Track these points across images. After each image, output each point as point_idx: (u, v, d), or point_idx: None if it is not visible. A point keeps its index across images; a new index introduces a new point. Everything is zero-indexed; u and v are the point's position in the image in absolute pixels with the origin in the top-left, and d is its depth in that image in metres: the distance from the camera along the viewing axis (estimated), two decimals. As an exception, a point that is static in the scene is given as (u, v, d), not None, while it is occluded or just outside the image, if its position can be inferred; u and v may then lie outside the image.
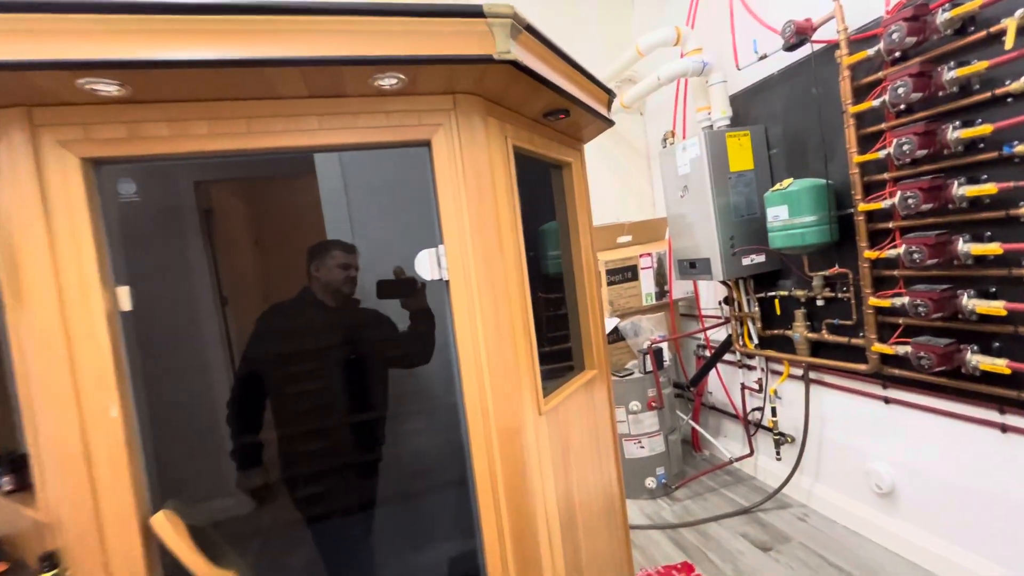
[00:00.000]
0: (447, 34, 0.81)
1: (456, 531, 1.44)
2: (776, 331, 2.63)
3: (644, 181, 3.77)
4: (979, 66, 1.60)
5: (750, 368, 2.96)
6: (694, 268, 2.72)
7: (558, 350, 1.59)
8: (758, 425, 2.89)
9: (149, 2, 0.69)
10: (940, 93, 1.74)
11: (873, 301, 2.04)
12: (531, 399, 1.08)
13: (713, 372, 3.20)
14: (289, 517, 1.62)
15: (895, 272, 1.98)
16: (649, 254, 3.22)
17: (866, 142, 2.01)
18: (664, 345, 2.97)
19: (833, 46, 2.08)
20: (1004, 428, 1.78)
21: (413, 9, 0.79)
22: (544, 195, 1.55)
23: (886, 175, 1.95)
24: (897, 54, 1.84)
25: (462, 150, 0.97)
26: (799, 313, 2.46)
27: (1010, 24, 1.52)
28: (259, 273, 2.16)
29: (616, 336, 3.06)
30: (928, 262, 1.75)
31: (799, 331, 2.45)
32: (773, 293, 2.62)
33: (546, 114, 1.19)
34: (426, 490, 1.73)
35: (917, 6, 1.72)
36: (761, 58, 2.45)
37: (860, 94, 2.01)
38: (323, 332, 1.61)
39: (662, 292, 3.28)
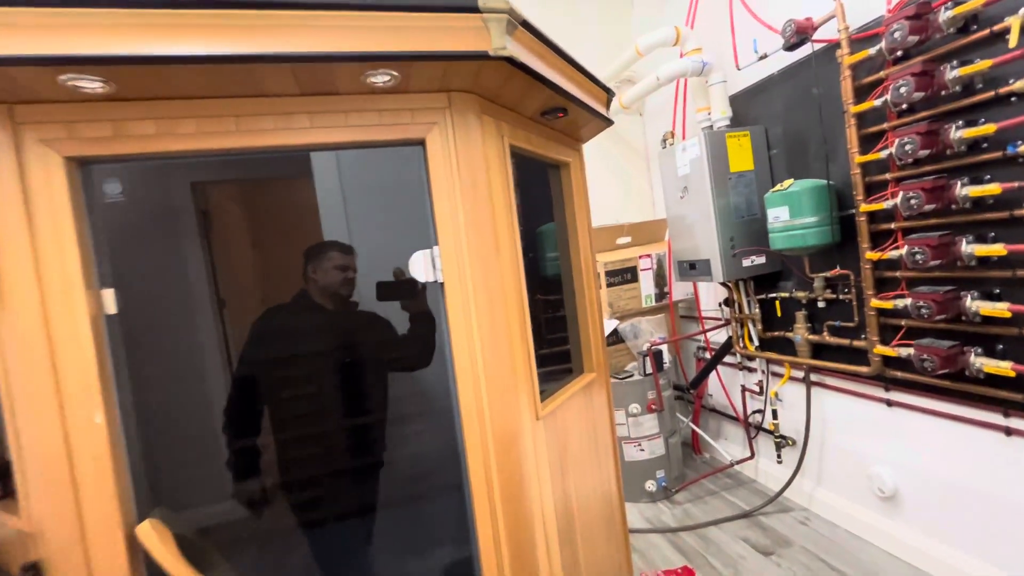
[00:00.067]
0: (441, 29, 0.79)
1: (452, 538, 1.42)
2: (777, 333, 2.61)
3: (644, 182, 3.75)
4: (982, 65, 1.58)
5: (751, 370, 2.94)
6: (694, 269, 2.70)
7: (557, 352, 1.57)
8: (759, 428, 2.87)
9: (132, -4, 0.67)
10: (943, 92, 1.72)
11: (875, 303, 2.02)
12: (528, 404, 1.06)
13: (713, 374, 3.18)
14: (286, 524, 1.59)
15: (897, 273, 1.96)
16: (649, 255, 3.20)
17: (868, 142, 1.99)
18: (664, 347, 2.95)
19: (834, 45, 2.06)
20: (1008, 431, 1.76)
21: (406, 4, 0.77)
22: (543, 196, 1.53)
23: (888, 175, 1.93)
24: (899, 53, 1.82)
25: (457, 149, 0.95)
26: (800, 315, 2.44)
27: (1014, 22, 1.51)
28: (257, 275, 2.14)
29: (616, 338, 3.04)
30: (931, 263, 1.73)
31: (800, 333, 2.43)
32: (774, 295, 2.60)
33: (543, 112, 1.17)
34: (422, 496, 1.71)
35: (919, 4, 1.70)
36: (761, 58, 2.43)
37: (861, 94, 1.99)
38: (321, 336, 1.59)
39: (662, 294, 3.26)
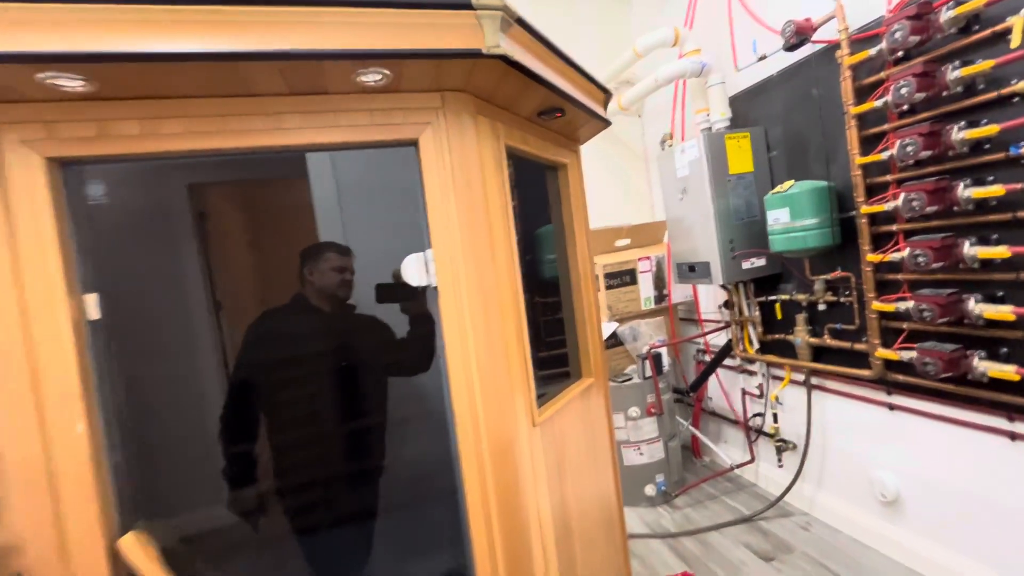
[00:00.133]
0: (433, 27, 0.77)
1: (448, 545, 1.39)
2: (777, 336, 2.59)
3: (642, 183, 3.74)
4: (984, 65, 1.56)
5: (751, 373, 2.92)
6: (693, 272, 2.68)
7: (555, 355, 1.55)
8: (759, 431, 2.85)
9: (113, -9, 0.65)
10: (944, 93, 1.70)
11: (876, 305, 2.00)
12: (525, 410, 1.04)
13: (713, 377, 3.15)
14: (282, 533, 1.56)
15: (899, 276, 1.94)
16: (648, 258, 3.18)
17: (868, 143, 1.97)
18: (663, 350, 2.93)
19: (834, 46, 2.04)
20: (1013, 436, 1.73)
21: (397, 0, 0.75)
22: (540, 197, 1.51)
23: (889, 177, 1.91)
24: (900, 54, 1.81)
25: (451, 150, 0.92)
26: (800, 317, 2.42)
27: (1016, 22, 1.49)
28: (254, 277, 2.12)
29: (615, 341, 3.02)
30: (933, 266, 1.71)
31: (800, 336, 2.41)
32: (774, 297, 2.58)
33: (540, 113, 1.15)
34: (419, 501, 1.68)
35: (920, 4, 1.68)
36: (760, 59, 2.42)
37: (862, 95, 1.97)
38: (318, 339, 1.56)
39: (661, 296, 3.24)
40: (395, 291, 1.36)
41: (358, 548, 1.62)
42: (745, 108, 2.64)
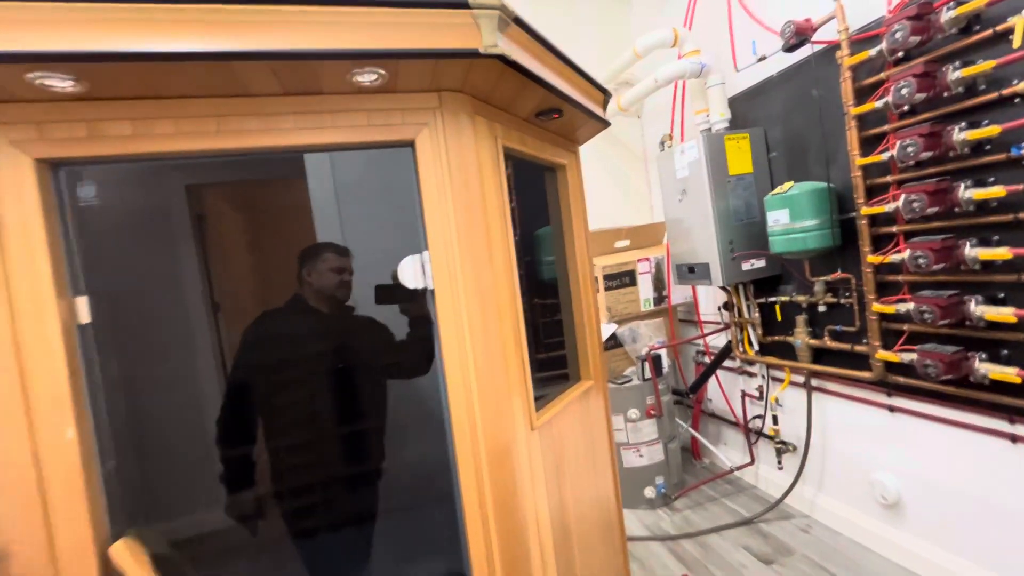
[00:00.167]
0: (429, 26, 0.76)
1: (446, 548, 1.38)
2: (777, 337, 2.58)
3: (642, 185, 3.73)
4: (985, 66, 1.55)
5: (750, 375, 2.91)
6: (693, 273, 2.67)
7: (553, 357, 1.53)
8: (759, 433, 2.84)
9: (103, -11, 0.64)
10: (945, 94, 1.69)
11: (877, 307, 1.99)
12: (523, 414, 1.03)
13: (713, 379, 3.14)
14: (280, 537, 1.55)
15: (899, 277, 1.93)
16: (647, 259, 3.17)
17: (868, 144, 1.96)
18: (663, 351, 2.92)
19: (834, 47, 2.03)
20: (1014, 438, 1.72)
21: (392, -1, 0.74)
22: (539, 199, 1.50)
23: (889, 178, 1.90)
24: (900, 54, 1.80)
25: (448, 151, 0.91)
26: (800, 319, 2.41)
27: (1017, 22, 1.48)
28: (252, 278, 2.11)
29: (614, 342, 3.01)
30: (934, 267, 1.70)
31: (800, 337, 2.40)
32: (774, 298, 2.57)
33: (538, 113, 1.14)
34: (416, 504, 1.67)
35: (920, 4, 1.67)
36: (760, 59, 2.41)
37: (862, 95, 1.96)
38: (316, 341, 1.55)
39: (660, 297, 3.22)
40: (394, 292, 1.35)
41: (357, 551, 1.61)
42: (745, 109, 2.63)
